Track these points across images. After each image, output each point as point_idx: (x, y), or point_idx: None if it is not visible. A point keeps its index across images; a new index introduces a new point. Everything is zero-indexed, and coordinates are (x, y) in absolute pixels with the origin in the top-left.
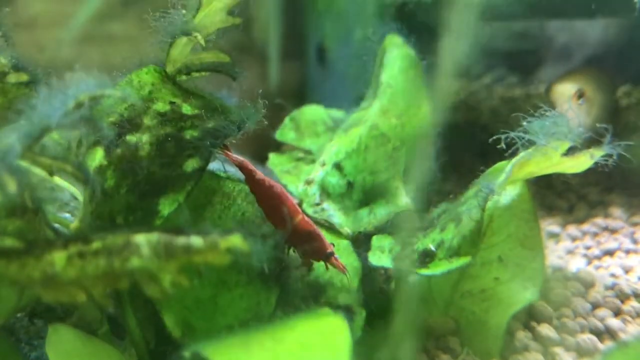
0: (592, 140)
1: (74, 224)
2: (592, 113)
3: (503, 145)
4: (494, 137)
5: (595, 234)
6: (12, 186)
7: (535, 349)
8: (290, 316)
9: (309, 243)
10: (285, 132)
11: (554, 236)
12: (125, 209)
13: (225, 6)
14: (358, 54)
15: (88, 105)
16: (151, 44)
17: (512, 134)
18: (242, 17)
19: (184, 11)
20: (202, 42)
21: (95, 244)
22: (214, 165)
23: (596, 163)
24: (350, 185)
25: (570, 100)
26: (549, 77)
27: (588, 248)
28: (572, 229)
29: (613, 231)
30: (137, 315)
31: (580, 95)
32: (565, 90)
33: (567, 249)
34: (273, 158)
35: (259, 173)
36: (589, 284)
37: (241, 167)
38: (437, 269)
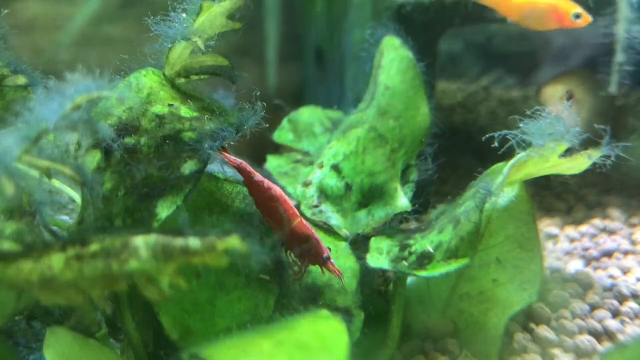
0: (590, 142)
1: (72, 226)
2: (582, 115)
3: (497, 144)
4: (489, 136)
5: (593, 235)
6: (9, 189)
7: (534, 351)
8: (288, 318)
9: (306, 247)
10: (283, 134)
11: (552, 237)
12: (123, 211)
13: (225, 10)
14: (356, 55)
15: (86, 108)
16: (150, 47)
17: (509, 136)
18: (240, 20)
19: (184, 15)
20: (202, 46)
21: (93, 246)
22: (212, 167)
23: (594, 164)
24: (348, 187)
25: (559, 102)
26: (546, 79)
27: (586, 249)
28: (571, 230)
29: (611, 232)
30: (135, 318)
31: (569, 97)
32: (554, 92)
33: (566, 250)
34: (271, 160)
35: (258, 175)
36: (587, 286)
37: (239, 169)
38: (435, 270)
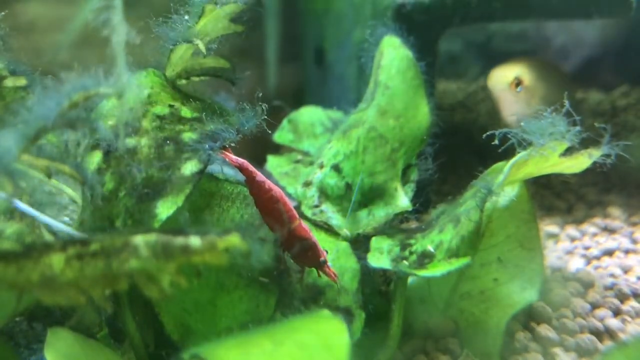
0: (590, 140)
1: (73, 227)
2: (532, 103)
3: (497, 143)
4: (489, 134)
5: (594, 234)
6: (9, 189)
7: (535, 350)
8: (289, 318)
9: (303, 250)
10: (284, 134)
11: (553, 237)
12: (123, 212)
13: (227, 14)
14: (356, 55)
15: (83, 106)
16: (150, 48)
17: (510, 135)
18: (242, 22)
19: (186, 17)
20: (204, 49)
21: (94, 246)
22: (213, 168)
23: (594, 163)
24: (348, 186)
25: (507, 88)
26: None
27: (587, 248)
28: (571, 230)
29: (612, 231)
30: (136, 318)
31: (517, 83)
32: (501, 77)
33: (566, 249)
34: (271, 160)
35: (260, 175)
36: (588, 284)
37: (242, 168)
38: (436, 270)
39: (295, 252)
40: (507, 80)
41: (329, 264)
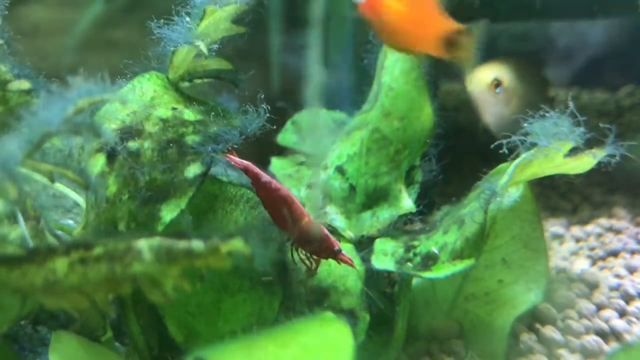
0: (595, 140)
1: (77, 230)
2: (512, 104)
3: (503, 146)
4: (497, 143)
5: (599, 235)
6: (13, 193)
7: (540, 351)
8: (293, 321)
9: (316, 244)
10: (287, 136)
11: (558, 237)
12: (127, 215)
13: (229, 15)
14: (359, 56)
15: (88, 111)
16: (153, 51)
17: (513, 136)
18: (245, 24)
19: (187, 19)
20: (205, 50)
21: (97, 250)
22: (216, 170)
23: (599, 163)
24: (352, 188)
25: (487, 89)
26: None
27: (592, 249)
28: (576, 230)
29: (617, 232)
30: (140, 322)
31: (497, 84)
32: (481, 78)
33: (571, 250)
34: (275, 162)
35: (265, 176)
36: (593, 285)
37: (246, 171)
38: (440, 271)
39: (310, 247)
40: (486, 82)
41: (343, 252)
